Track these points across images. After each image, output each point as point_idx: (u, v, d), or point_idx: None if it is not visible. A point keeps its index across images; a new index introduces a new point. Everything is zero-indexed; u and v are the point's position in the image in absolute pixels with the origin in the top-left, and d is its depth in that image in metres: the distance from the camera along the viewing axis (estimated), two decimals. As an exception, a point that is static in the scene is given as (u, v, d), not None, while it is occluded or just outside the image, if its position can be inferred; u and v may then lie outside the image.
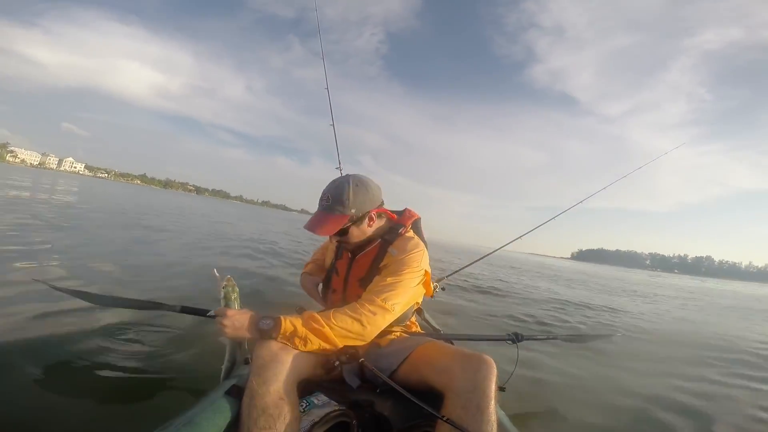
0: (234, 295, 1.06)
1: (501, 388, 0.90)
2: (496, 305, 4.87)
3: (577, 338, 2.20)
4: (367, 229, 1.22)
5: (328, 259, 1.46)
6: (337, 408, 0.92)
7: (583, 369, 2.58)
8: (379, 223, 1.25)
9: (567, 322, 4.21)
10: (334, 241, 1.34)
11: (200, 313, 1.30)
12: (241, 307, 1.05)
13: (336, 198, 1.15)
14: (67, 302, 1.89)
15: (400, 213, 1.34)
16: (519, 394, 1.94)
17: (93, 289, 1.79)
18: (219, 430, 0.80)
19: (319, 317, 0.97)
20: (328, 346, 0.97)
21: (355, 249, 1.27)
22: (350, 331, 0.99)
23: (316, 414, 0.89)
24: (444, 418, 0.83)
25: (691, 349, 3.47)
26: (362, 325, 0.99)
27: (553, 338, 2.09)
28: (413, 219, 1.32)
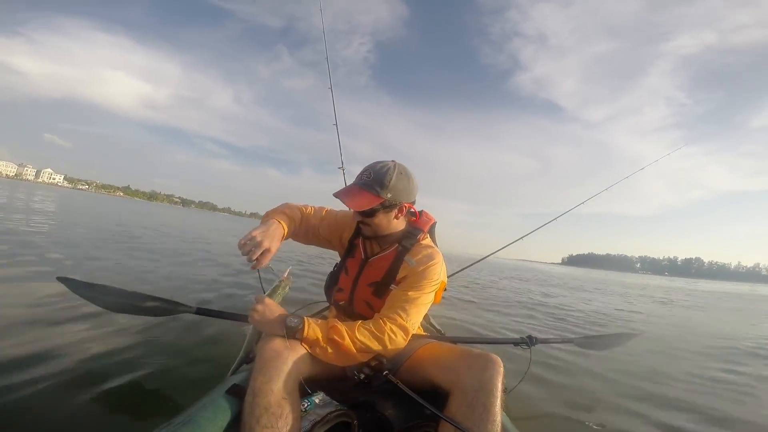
0: (281, 291, 1.04)
1: (505, 390, 0.91)
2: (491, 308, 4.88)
3: (594, 341, 1.94)
4: (393, 220, 1.17)
5: (341, 233, 1.34)
6: (338, 408, 0.91)
7: (587, 371, 2.57)
8: (402, 223, 1.20)
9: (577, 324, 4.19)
10: (355, 221, 1.25)
11: (223, 315, 1.25)
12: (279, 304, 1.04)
13: (377, 177, 1.09)
14: (64, 299, 1.83)
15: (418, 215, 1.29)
16: (523, 397, 1.91)
17: None
18: (220, 429, 0.78)
19: (342, 330, 0.96)
20: (346, 360, 0.98)
21: (370, 249, 1.24)
22: (371, 349, 0.99)
23: (317, 413, 0.88)
24: (448, 418, 0.82)
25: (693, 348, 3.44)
26: (384, 344, 1.00)
27: (568, 341, 1.91)
28: (430, 223, 1.27)
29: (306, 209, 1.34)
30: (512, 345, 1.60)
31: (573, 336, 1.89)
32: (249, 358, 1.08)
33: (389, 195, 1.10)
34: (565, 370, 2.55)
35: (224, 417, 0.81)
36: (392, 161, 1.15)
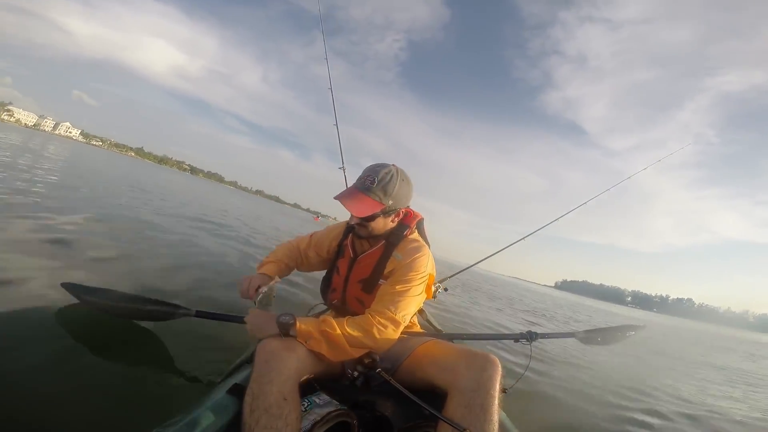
0: (266, 300, 1.13)
1: (503, 390, 0.89)
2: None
3: (597, 334, 1.85)
4: (390, 223, 1.20)
5: (327, 245, 1.41)
6: (338, 408, 0.90)
7: (588, 367, 2.50)
8: (394, 222, 1.22)
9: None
10: (350, 222, 1.28)
11: (222, 318, 1.30)
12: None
13: (381, 184, 1.10)
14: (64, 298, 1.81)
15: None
16: (523, 395, 1.89)
17: None
18: (220, 429, 0.78)
19: (333, 323, 0.97)
20: (340, 354, 0.97)
21: (359, 247, 1.26)
22: (362, 342, 0.99)
23: (317, 413, 0.87)
24: (445, 418, 0.82)
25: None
26: (374, 337, 1.00)
27: (569, 335, 1.84)
28: (417, 219, 1.29)
29: (294, 242, 1.51)
30: (512, 341, 1.61)
31: (574, 330, 1.85)
32: (249, 359, 1.08)
33: (391, 202, 1.13)
34: (566, 367, 2.51)
35: (224, 417, 0.81)
36: (393, 165, 1.17)
